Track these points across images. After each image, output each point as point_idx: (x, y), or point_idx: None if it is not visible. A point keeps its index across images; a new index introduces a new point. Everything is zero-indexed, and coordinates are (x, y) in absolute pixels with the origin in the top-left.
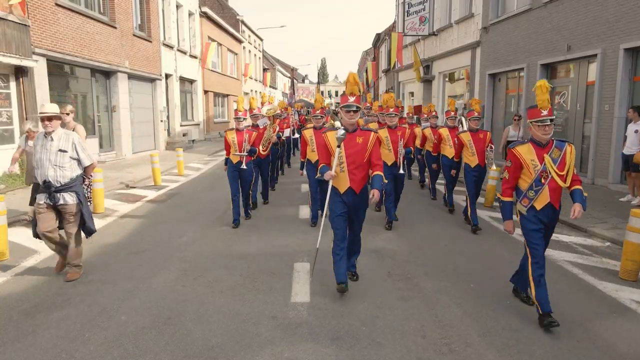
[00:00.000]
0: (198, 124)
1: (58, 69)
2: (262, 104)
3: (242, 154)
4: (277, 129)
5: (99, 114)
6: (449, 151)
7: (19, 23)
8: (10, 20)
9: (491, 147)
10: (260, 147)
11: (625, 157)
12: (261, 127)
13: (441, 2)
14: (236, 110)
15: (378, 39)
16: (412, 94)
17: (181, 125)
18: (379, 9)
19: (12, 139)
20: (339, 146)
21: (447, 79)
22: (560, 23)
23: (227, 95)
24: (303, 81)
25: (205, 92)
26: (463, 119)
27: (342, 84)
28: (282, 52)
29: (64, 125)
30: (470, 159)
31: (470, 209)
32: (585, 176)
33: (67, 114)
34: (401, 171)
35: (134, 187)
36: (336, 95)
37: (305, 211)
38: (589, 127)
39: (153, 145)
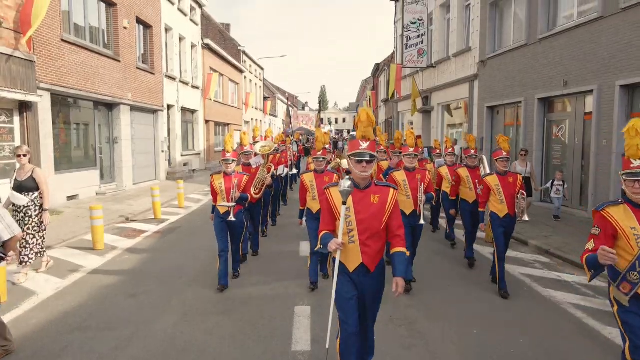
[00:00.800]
0: (199, 154)
1: (61, 102)
2: (255, 139)
3: (230, 204)
4: (272, 167)
5: (100, 145)
6: (469, 194)
7: (25, 59)
8: (16, 57)
9: (523, 194)
10: (252, 190)
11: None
12: (254, 166)
13: (439, 35)
14: (223, 151)
15: (377, 69)
16: (411, 123)
17: (182, 155)
18: (379, 37)
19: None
20: (344, 203)
21: (446, 110)
22: (556, 59)
23: (228, 124)
24: (303, 108)
25: (207, 121)
26: (484, 158)
27: (343, 110)
28: (282, 79)
29: (22, 168)
30: (499, 207)
31: (499, 270)
32: (586, 211)
33: (23, 156)
34: (421, 221)
35: (134, 221)
36: (336, 122)
37: (306, 247)
38: (588, 161)
39: (154, 175)
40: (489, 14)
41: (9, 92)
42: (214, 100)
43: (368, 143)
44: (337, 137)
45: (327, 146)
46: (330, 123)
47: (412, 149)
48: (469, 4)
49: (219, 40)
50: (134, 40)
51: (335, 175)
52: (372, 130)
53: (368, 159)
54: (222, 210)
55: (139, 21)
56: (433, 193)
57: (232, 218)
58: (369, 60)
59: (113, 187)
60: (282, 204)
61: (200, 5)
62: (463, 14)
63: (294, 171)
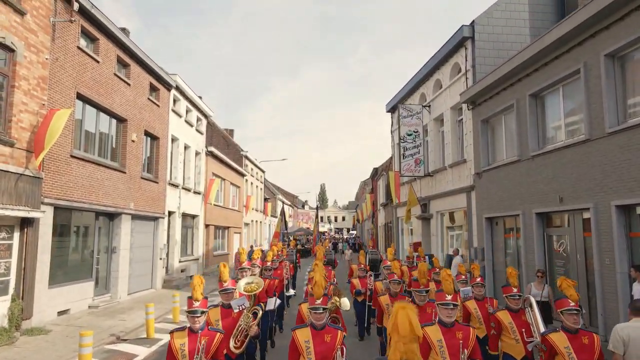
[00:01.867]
0: (197, 259)
1: (63, 215)
2: (241, 266)
3: None
4: (260, 311)
5: (98, 255)
6: (515, 349)
7: (33, 176)
8: (25, 175)
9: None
10: (231, 344)
11: None
12: (235, 310)
13: (435, 146)
14: (190, 299)
15: (376, 173)
16: (411, 230)
17: (180, 262)
18: (378, 137)
19: (6, 291)
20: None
21: (444, 217)
22: (549, 175)
23: (228, 227)
24: (303, 207)
25: (207, 225)
26: (533, 302)
27: (342, 209)
28: (283, 179)
29: None
30: (516, 348)
31: None
32: (597, 331)
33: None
34: None
35: (125, 340)
36: (335, 220)
37: None
38: (593, 279)
39: (150, 284)
40: (481, 129)
41: (12, 209)
42: (215, 205)
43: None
44: (337, 235)
45: (333, 302)
46: (330, 222)
47: (449, 297)
48: (462, 119)
49: (222, 145)
50: (140, 152)
51: (338, 332)
52: (417, 347)
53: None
54: None
55: (147, 134)
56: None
57: None
58: (368, 158)
59: (107, 299)
60: (277, 331)
61: (206, 116)
62: (456, 127)
63: (291, 292)
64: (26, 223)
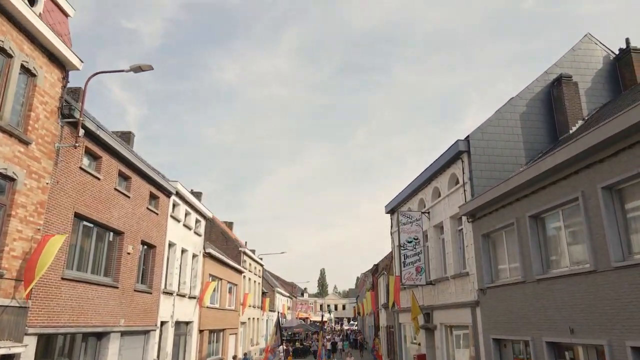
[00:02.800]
0: None
1: (47, 342)
2: None
3: None
4: None
5: None
6: None
7: (19, 307)
8: (10, 306)
9: None
10: None
11: None
12: None
13: (436, 254)
14: None
15: (377, 270)
16: (414, 338)
17: None
18: (379, 223)
19: None
20: None
21: (449, 330)
22: (557, 303)
23: (224, 330)
24: (302, 294)
25: (201, 331)
26: None
27: (342, 296)
28: (282, 262)
29: None
30: None
31: None
32: None
33: None
34: None
35: None
36: (335, 309)
37: None
38: None
39: None
40: (482, 243)
41: None
42: (210, 307)
43: None
44: (337, 327)
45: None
46: (330, 311)
47: None
48: (462, 229)
49: (221, 241)
50: (135, 264)
51: None
52: None
53: None
54: None
55: (144, 243)
56: None
57: None
58: (369, 244)
59: None
60: None
61: (205, 218)
62: (457, 237)
63: None
64: (6, 357)
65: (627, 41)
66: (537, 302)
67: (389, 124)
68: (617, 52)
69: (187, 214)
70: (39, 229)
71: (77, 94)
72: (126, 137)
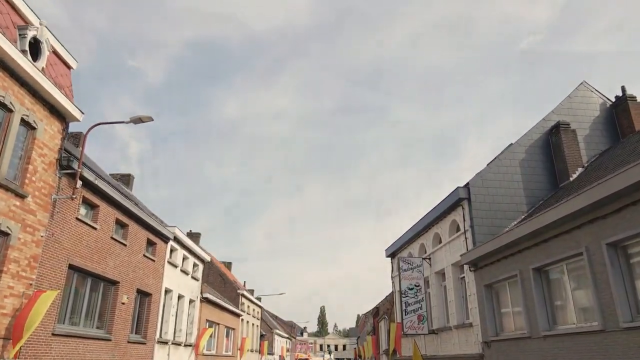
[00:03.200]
0: None
1: None
2: None
3: None
4: None
5: None
6: None
7: None
8: None
9: None
10: None
11: None
12: None
13: (438, 302)
14: None
15: (377, 312)
16: None
17: None
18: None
19: None
20: None
21: None
22: None
23: None
24: (301, 334)
25: None
26: None
27: (342, 336)
28: (281, 300)
29: None
30: None
31: None
32: None
33: None
34: None
35: None
36: (335, 349)
37: None
38: None
39: None
40: (485, 294)
41: None
42: (206, 354)
43: None
44: None
45: None
46: (330, 352)
47: None
48: (464, 277)
49: (219, 284)
50: (130, 314)
51: None
52: None
53: None
54: None
55: (139, 291)
56: None
57: None
58: (369, 282)
59: None
60: None
61: (203, 261)
62: (459, 285)
63: None
64: None
65: (623, 89)
66: (546, 359)
67: (390, 159)
68: (613, 100)
69: (184, 259)
70: (30, 284)
71: (77, 138)
72: (125, 179)
